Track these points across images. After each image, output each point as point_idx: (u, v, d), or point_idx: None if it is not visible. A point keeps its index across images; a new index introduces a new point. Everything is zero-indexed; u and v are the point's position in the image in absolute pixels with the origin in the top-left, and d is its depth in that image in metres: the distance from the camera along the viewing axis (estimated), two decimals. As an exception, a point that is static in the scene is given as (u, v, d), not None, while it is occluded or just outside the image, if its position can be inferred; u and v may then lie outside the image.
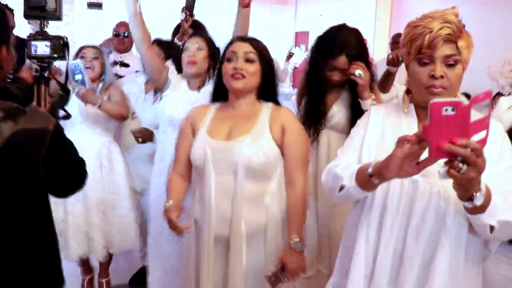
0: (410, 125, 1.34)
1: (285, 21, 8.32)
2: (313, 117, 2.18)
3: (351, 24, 2.22)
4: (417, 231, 1.27)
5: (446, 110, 0.95)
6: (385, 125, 1.39)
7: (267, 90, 1.80)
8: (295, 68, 6.76)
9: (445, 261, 1.24)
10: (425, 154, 1.04)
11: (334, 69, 2.11)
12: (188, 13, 3.04)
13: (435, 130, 0.97)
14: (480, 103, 0.97)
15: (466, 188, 1.07)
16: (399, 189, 1.29)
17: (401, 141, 1.07)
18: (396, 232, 1.29)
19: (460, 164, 0.99)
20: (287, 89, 6.79)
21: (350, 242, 1.41)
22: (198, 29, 3.03)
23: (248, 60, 1.72)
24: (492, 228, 1.15)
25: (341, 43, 2.07)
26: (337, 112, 2.17)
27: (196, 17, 3.13)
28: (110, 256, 2.87)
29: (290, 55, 5.15)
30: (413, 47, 1.26)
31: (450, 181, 1.08)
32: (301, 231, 1.73)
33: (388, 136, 1.35)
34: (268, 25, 6.99)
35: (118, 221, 2.72)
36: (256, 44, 1.77)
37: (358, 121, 1.50)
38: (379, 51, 5.39)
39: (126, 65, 3.62)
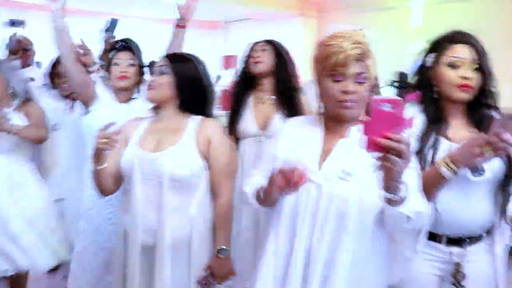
0: (315, 136, 1.45)
1: (215, 45, 8.48)
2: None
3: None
4: (321, 232, 1.36)
5: (384, 107, 1.06)
6: (297, 136, 1.49)
7: (192, 103, 1.84)
8: (225, 91, 6.88)
9: (346, 258, 1.34)
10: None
11: None
12: (110, 34, 3.24)
13: (374, 126, 1.07)
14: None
15: (395, 180, 1.17)
16: (305, 193, 1.38)
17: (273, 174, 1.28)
18: (305, 234, 1.38)
19: (394, 158, 1.09)
20: (217, 111, 6.87)
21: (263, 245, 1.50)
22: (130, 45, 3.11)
23: (161, 73, 1.80)
24: (408, 219, 1.26)
25: None
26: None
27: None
28: (24, 277, 2.73)
29: (217, 78, 5.31)
30: (327, 64, 1.36)
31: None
32: (227, 239, 1.81)
33: (295, 147, 1.45)
34: (198, 48, 7.09)
35: (34, 239, 2.59)
36: (172, 58, 1.86)
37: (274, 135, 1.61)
38: (306, 72, 5.66)
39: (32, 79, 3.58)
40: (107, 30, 3.25)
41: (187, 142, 1.78)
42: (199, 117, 1.85)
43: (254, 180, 1.51)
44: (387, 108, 1.06)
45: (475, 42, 1.56)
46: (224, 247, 1.78)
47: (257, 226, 2.46)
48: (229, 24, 9.41)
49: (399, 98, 1.10)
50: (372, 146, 1.09)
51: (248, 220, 2.49)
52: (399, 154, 1.09)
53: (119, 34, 3.14)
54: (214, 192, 1.83)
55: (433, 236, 1.60)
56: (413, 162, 1.39)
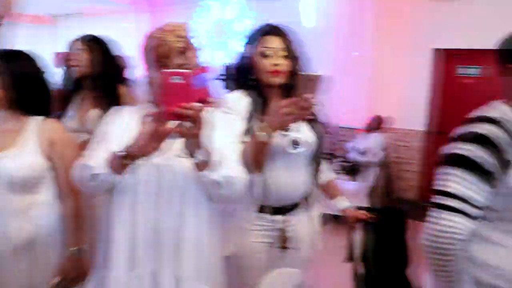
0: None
1: (43, 41, 7.92)
2: None
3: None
4: (167, 207, 1.46)
5: (174, 79, 1.18)
6: (127, 123, 1.52)
7: (29, 102, 1.77)
8: (56, 90, 6.50)
9: (191, 230, 1.47)
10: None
11: None
12: None
13: (167, 97, 1.19)
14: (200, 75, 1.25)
15: (194, 144, 1.30)
16: (146, 172, 1.45)
17: (144, 117, 1.26)
18: (152, 212, 1.45)
19: (188, 124, 1.24)
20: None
21: (106, 233, 1.50)
22: None
23: None
24: (219, 184, 1.40)
25: None
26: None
27: None
28: None
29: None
30: (152, 55, 1.46)
31: (188, 161, 1.32)
32: (80, 239, 1.79)
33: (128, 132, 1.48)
34: (26, 45, 6.56)
35: None
36: (1, 56, 1.76)
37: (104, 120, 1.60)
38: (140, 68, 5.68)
39: None
40: None
41: (28, 143, 1.72)
42: (40, 118, 1.79)
43: (92, 155, 1.46)
44: (177, 80, 1.19)
45: (284, 33, 1.79)
46: (76, 248, 1.77)
47: None
48: (58, 19, 8.89)
49: (188, 71, 1.23)
50: (169, 115, 1.22)
51: None
52: (192, 120, 1.23)
53: None
54: (61, 192, 1.80)
55: (261, 208, 1.81)
56: (233, 136, 1.57)
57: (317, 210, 1.95)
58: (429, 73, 5.61)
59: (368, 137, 5.25)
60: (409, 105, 5.62)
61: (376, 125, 5.32)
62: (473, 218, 1.27)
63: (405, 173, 5.77)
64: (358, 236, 2.23)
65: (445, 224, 1.26)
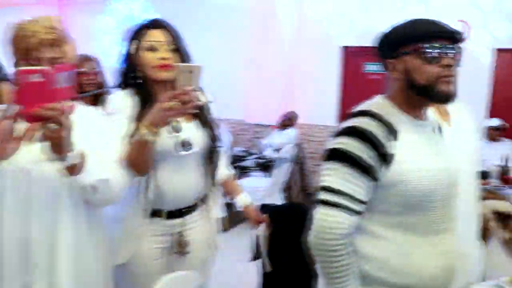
0: None
1: None
2: None
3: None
4: (38, 215, 1.34)
5: (32, 77, 1.05)
6: None
7: None
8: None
9: (67, 238, 1.37)
10: None
11: None
12: None
13: (25, 96, 1.06)
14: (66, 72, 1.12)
15: (60, 147, 1.19)
16: (14, 177, 1.33)
17: None
18: (18, 221, 1.34)
19: (52, 125, 1.12)
20: None
21: None
22: None
23: None
24: (93, 188, 1.32)
25: None
26: None
27: None
28: None
29: None
30: (20, 47, 1.34)
31: (59, 165, 1.21)
32: None
33: None
34: None
35: None
36: None
37: None
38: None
39: None
40: None
41: None
42: None
43: None
44: (36, 78, 1.06)
45: (169, 27, 1.72)
46: None
47: None
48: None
49: (47, 67, 1.11)
50: (29, 117, 1.09)
51: None
52: (56, 122, 1.13)
53: None
54: None
55: (155, 213, 1.72)
56: (115, 137, 1.49)
57: (216, 210, 1.91)
58: (338, 70, 5.80)
59: (282, 133, 5.31)
60: (321, 101, 5.78)
61: (289, 121, 5.40)
62: (357, 213, 1.28)
63: (319, 168, 5.91)
64: (262, 234, 2.21)
65: (329, 220, 1.26)
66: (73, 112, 1.22)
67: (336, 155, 1.29)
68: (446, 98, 1.30)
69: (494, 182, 4.11)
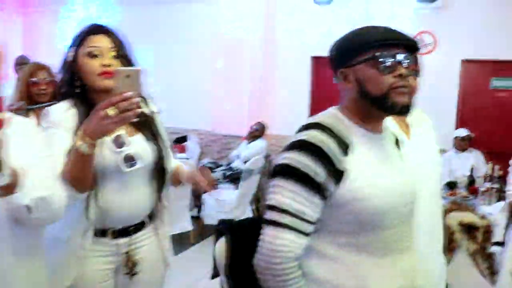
0: None
1: None
2: None
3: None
4: None
5: None
6: None
7: None
8: None
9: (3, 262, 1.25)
10: None
11: None
12: None
13: None
14: None
15: None
16: None
17: None
18: None
19: None
20: None
21: None
22: None
23: None
24: (28, 208, 1.20)
25: None
26: None
27: None
28: None
29: None
30: None
31: None
32: None
33: None
34: None
35: None
36: None
37: None
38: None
39: None
40: None
41: None
42: None
43: None
44: None
45: (111, 32, 1.61)
46: None
47: None
48: None
49: None
50: None
51: None
52: None
53: None
54: None
55: (100, 232, 1.61)
56: (53, 153, 1.39)
57: (167, 227, 1.80)
58: (309, 80, 5.76)
59: (251, 144, 5.23)
60: (292, 112, 5.72)
61: (258, 132, 5.32)
62: (306, 234, 1.19)
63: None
64: (222, 250, 2.12)
65: (276, 243, 1.17)
66: (7, 125, 1.12)
67: (284, 171, 1.19)
68: (401, 109, 1.22)
69: (462, 192, 4.09)
